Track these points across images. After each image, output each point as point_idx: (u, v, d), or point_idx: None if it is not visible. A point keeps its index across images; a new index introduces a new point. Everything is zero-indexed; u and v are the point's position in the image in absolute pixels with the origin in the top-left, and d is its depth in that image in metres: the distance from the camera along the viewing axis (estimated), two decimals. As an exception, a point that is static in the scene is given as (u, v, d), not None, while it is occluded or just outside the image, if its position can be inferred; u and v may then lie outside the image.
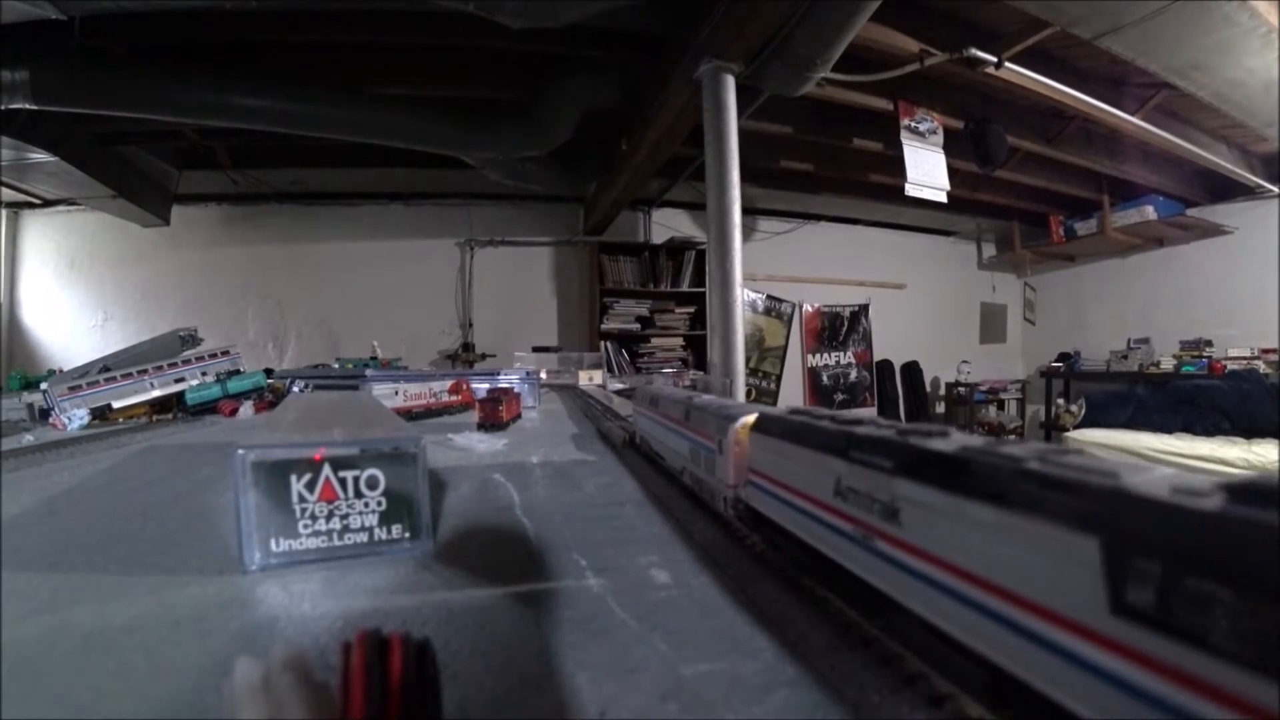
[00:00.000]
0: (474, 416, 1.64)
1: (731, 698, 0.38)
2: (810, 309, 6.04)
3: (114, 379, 1.94)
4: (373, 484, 0.61)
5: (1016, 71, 3.10)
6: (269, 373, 2.41)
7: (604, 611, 0.51)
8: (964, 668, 0.33)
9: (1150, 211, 5.11)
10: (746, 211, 2.70)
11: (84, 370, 2.11)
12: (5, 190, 4.31)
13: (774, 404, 5.62)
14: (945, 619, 0.34)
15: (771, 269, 5.78)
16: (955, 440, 0.37)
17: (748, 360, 4.36)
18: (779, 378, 5.91)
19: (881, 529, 0.39)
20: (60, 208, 4.71)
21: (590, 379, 3.48)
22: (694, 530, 0.71)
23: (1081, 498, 0.26)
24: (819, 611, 0.47)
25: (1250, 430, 4.34)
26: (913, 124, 3.55)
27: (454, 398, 1.92)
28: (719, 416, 0.70)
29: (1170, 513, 0.23)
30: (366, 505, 0.61)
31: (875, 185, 4.89)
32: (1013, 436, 6.17)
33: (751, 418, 0.64)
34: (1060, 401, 5.76)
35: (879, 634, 0.41)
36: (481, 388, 2.02)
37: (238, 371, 2.24)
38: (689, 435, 0.82)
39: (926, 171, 3.56)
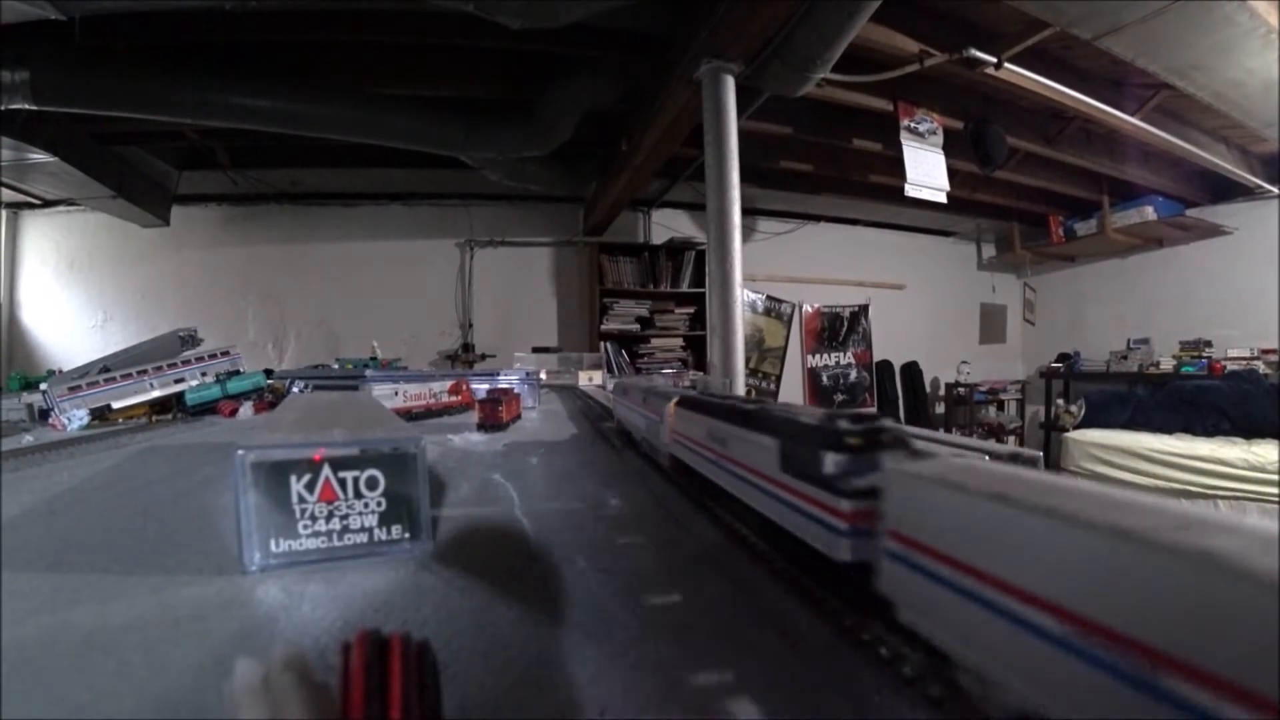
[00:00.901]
0: (474, 417, 1.64)
1: (731, 698, 0.38)
2: (810, 309, 6.04)
3: (114, 379, 1.94)
4: (372, 484, 0.61)
5: (1016, 72, 3.10)
6: (269, 373, 2.41)
7: (604, 612, 0.51)
8: (746, 514, 0.64)
9: (1150, 212, 5.12)
10: (746, 212, 2.70)
11: (84, 371, 2.11)
12: (5, 191, 4.31)
13: (774, 404, 5.62)
14: (738, 490, 0.64)
15: (771, 269, 5.78)
16: (755, 404, 0.66)
17: (747, 361, 4.36)
18: (779, 378, 5.91)
19: (722, 453, 0.69)
20: (60, 208, 4.71)
21: (590, 379, 3.48)
22: (694, 530, 0.71)
23: (775, 422, 0.55)
24: (819, 611, 0.47)
25: (1250, 430, 4.35)
26: (912, 124, 3.55)
27: (454, 398, 1.92)
28: (660, 398, 0.99)
29: (795, 425, 0.52)
30: (366, 506, 0.61)
31: (875, 186, 4.89)
32: (1011, 438, 6.19)
33: (676, 398, 0.92)
34: (1060, 402, 5.76)
35: (880, 633, 0.41)
36: (481, 388, 2.02)
37: (237, 372, 2.24)
38: (645, 413, 1.09)
39: (926, 172, 3.56)
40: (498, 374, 2.25)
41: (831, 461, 0.44)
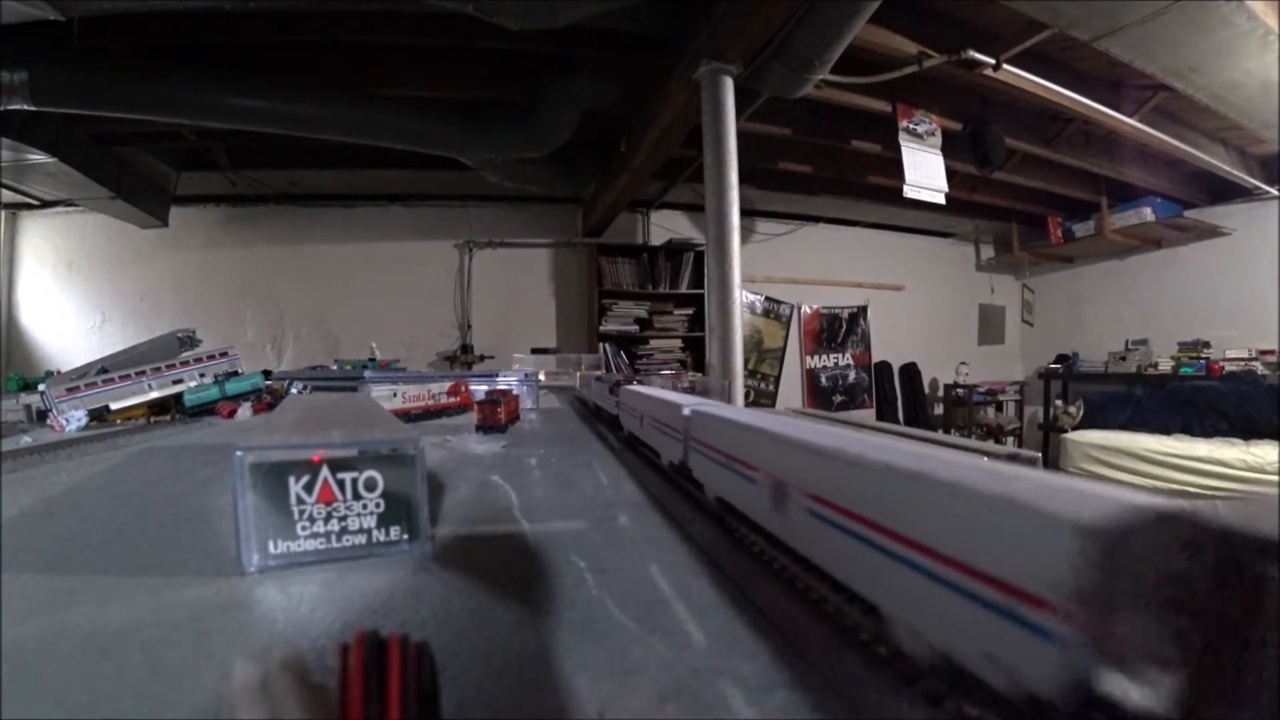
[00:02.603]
0: (473, 418, 1.64)
1: (731, 698, 0.38)
2: (809, 310, 6.04)
3: (112, 380, 1.94)
4: (371, 485, 0.61)
5: (1015, 73, 3.10)
6: (267, 374, 2.41)
7: (603, 613, 0.51)
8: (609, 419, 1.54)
9: (1148, 213, 5.12)
10: (745, 213, 2.70)
11: (82, 372, 2.11)
12: (4, 191, 4.30)
13: (772, 405, 5.63)
14: (605, 405, 1.60)
15: (770, 270, 5.78)
16: (612, 378, 1.74)
17: (746, 362, 4.36)
18: (778, 379, 5.92)
19: (606, 396, 1.58)
20: (58, 209, 4.71)
21: (589, 380, 3.47)
22: (693, 532, 0.71)
23: (609, 381, 1.61)
24: (818, 611, 0.47)
25: (1248, 431, 4.35)
26: (911, 126, 3.56)
27: (452, 399, 1.92)
28: (596, 381, 1.85)
29: (609, 380, 1.66)
30: (365, 507, 0.61)
31: (874, 187, 4.89)
32: (1010, 438, 6.19)
33: (594, 378, 1.92)
34: (1059, 403, 5.77)
35: (879, 633, 0.41)
36: (480, 389, 2.02)
37: (236, 373, 2.24)
38: (593, 390, 1.87)
39: (925, 173, 3.56)
40: (496, 375, 2.25)
41: (612, 388, 1.46)
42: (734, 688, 0.39)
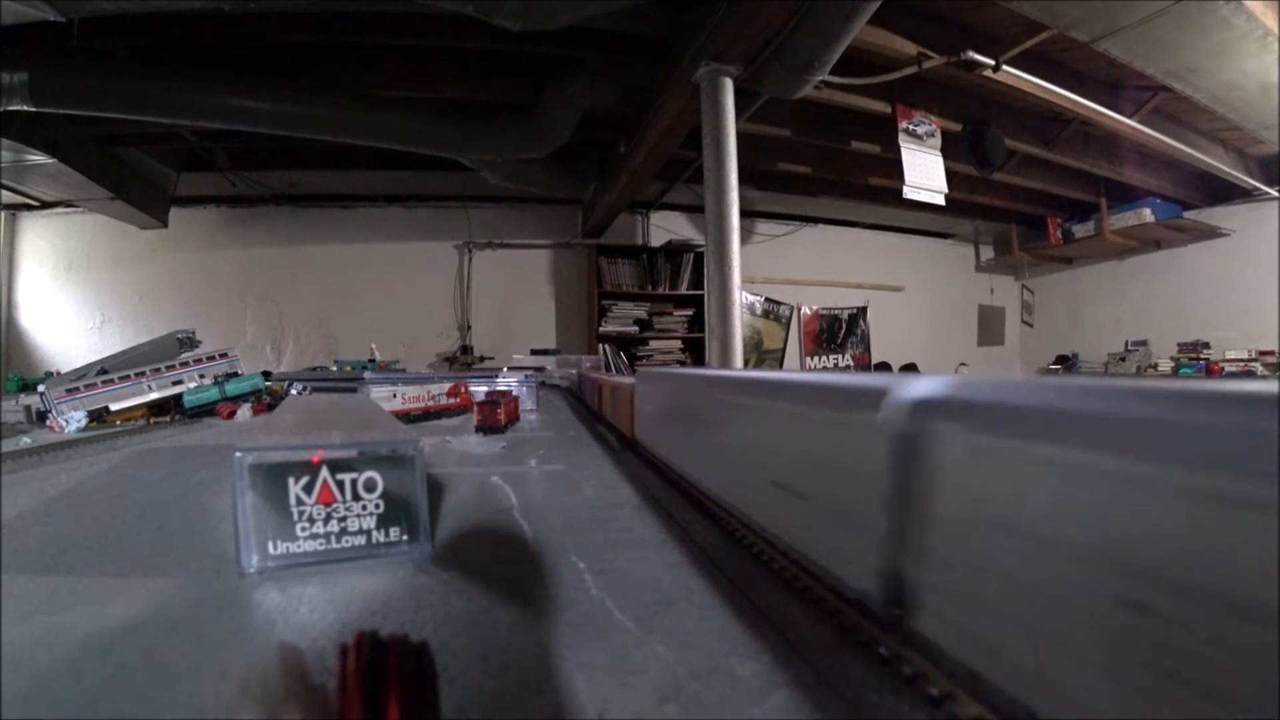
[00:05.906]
0: (472, 419, 1.64)
1: (731, 699, 0.38)
2: (809, 311, 6.05)
3: (111, 381, 1.94)
4: (371, 486, 0.60)
5: (1014, 74, 3.11)
6: (267, 375, 2.41)
7: (602, 613, 0.51)
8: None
9: (1148, 214, 5.12)
10: (745, 214, 2.70)
11: (81, 372, 2.11)
12: (4, 192, 4.30)
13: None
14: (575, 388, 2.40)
15: (770, 271, 5.78)
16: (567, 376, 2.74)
17: (746, 363, 4.36)
18: (778, 380, 5.91)
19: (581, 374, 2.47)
20: (58, 209, 4.71)
21: (589, 381, 3.48)
22: (693, 532, 0.71)
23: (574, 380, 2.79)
24: (819, 611, 0.47)
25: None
26: (911, 127, 3.56)
27: (452, 400, 1.92)
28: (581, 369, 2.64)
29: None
30: (364, 508, 0.60)
31: (873, 188, 4.90)
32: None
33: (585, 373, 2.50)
34: (1058, 403, 5.76)
35: (879, 634, 0.41)
36: (480, 390, 2.02)
37: (236, 374, 2.24)
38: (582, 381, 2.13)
39: (924, 174, 3.56)
40: (496, 376, 2.25)
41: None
42: (734, 688, 0.39)
